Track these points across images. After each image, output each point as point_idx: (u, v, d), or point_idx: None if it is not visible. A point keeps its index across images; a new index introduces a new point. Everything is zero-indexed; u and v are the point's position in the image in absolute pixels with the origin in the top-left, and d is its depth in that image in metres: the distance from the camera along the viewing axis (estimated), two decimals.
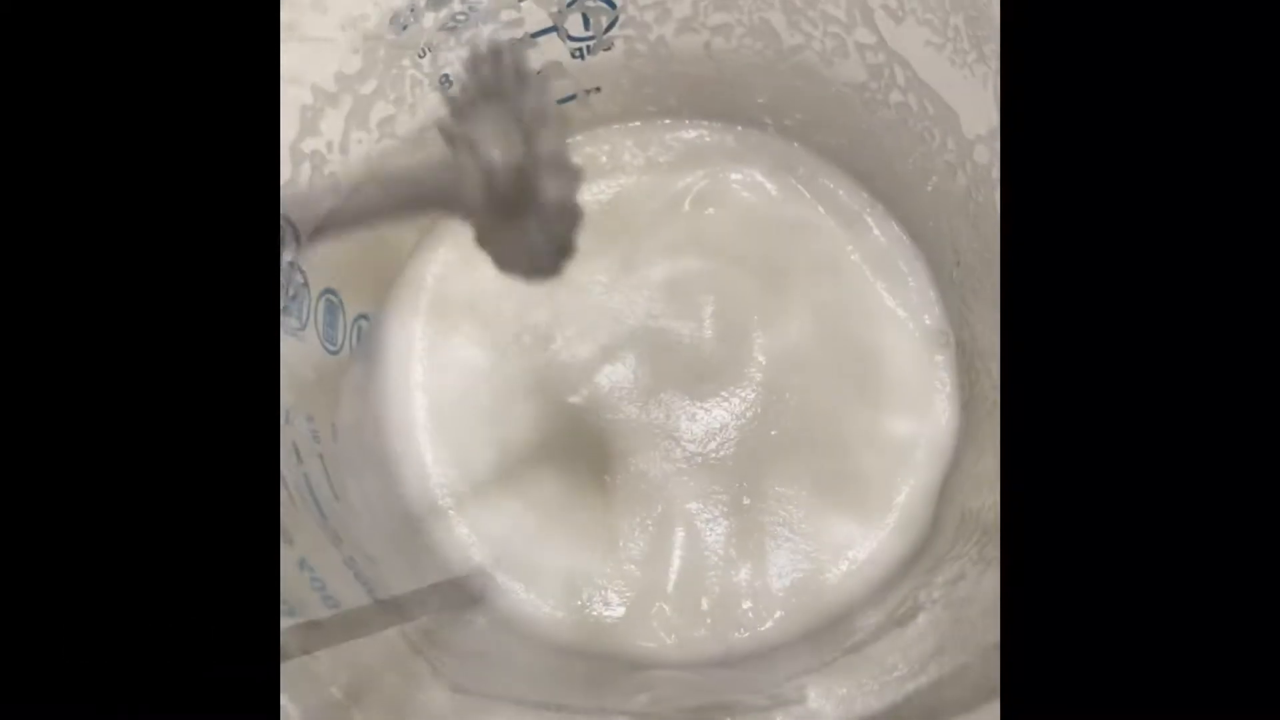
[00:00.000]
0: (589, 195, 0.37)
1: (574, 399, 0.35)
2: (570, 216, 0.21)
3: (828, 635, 0.31)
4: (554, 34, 0.33)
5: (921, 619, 0.26)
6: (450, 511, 0.34)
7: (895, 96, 0.32)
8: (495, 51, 0.21)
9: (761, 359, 0.36)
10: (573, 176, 0.21)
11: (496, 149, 0.20)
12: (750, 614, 0.33)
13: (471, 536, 0.33)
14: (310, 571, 0.24)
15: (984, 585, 0.25)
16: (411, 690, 0.23)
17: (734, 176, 0.38)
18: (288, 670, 0.19)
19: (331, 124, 0.30)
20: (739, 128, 0.38)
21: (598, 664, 0.31)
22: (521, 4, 0.32)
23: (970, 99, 0.29)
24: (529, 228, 0.21)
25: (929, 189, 0.33)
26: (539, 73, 0.20)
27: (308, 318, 0.30)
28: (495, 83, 0.21)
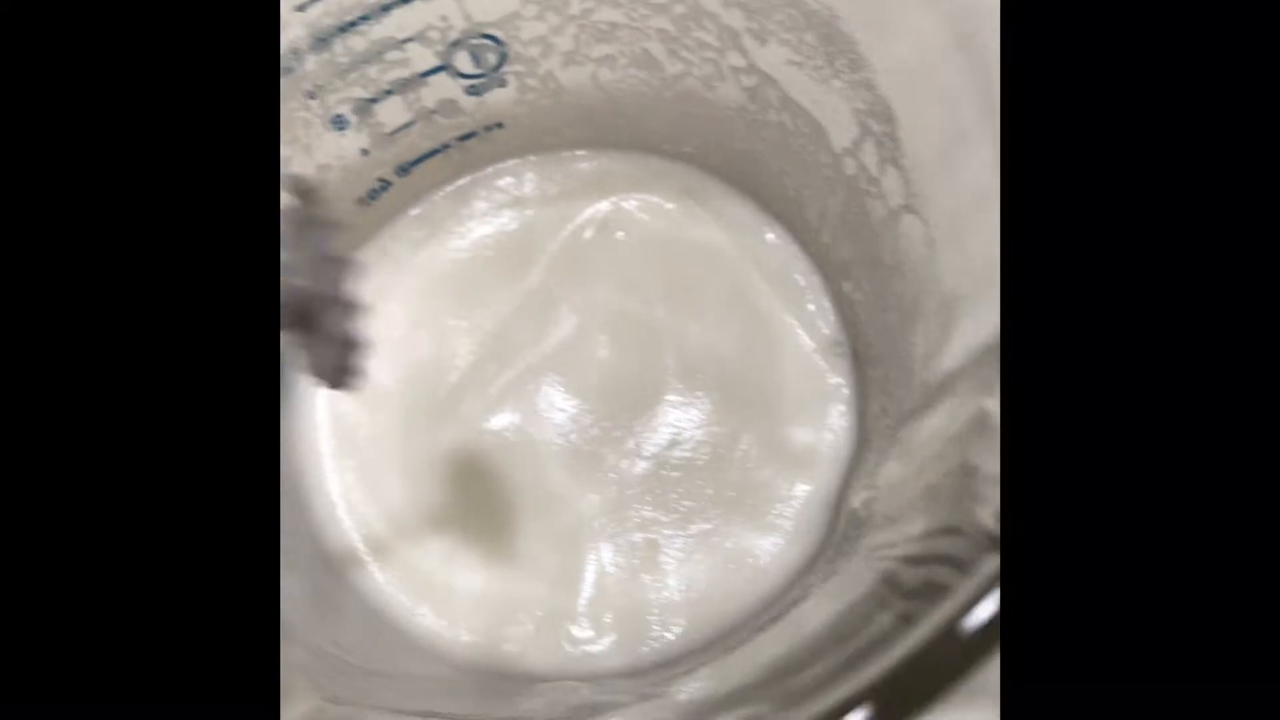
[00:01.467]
0: (497, 226, 0.39)
1: (483, 424, 0.36)
2: (352, 348, 0.23)
3: (724, 640, 0.31)
4: (444, 73, 0.34)
5: (793, 612, 0.27)
6: (358, 537, 0.34)
7: (772, 116, 0.33)
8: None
9: (668, 378, 0.36)
10: (353, 312, 0.23)
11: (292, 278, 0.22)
12: (654, 626, 0.33)
13: (380, 561, 0.34)
14: None
15: (851, 569, 0.26)
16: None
17: (637, 202, 0.39)
18: None
19: None
20: (638, 155, 0.39)
21: (497, 679, 0.32)
22: (406, 45, 0.33)
23: (833, 113, 0.30)
24: (319, 350, 0.24)
25: (813, 205, 0.34)
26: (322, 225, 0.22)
27: None
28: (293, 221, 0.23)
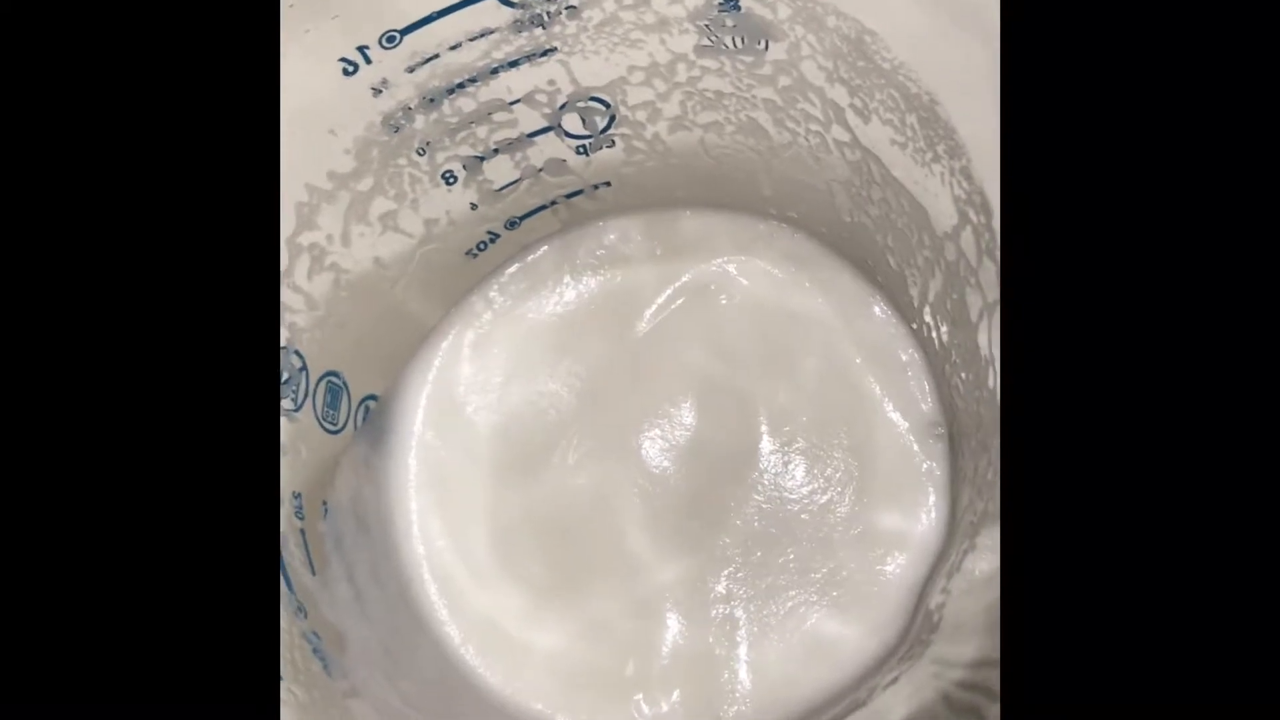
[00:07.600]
0: (599, 282, 0.39)
1: (571, 480, 0.36)
2: None
3: None
4: (551, 133, 0.35)
5: (859, 713, 0.26)
6: (435, 588, 0.35)
7: (876, 193, 0.32)
8: None
9: (760, 448, 0.36)
10: None
11: None
12: (724, 706, 0.32)
13: (457, 615, 0.34)
14: None
15: (916, 677, 0.25)
16: None
17: (740, 266, 0.38)
18: None
19: (330, 219, 0.32)
20: (745, 217, 0.38)
21: None
22: (514, 107, 0.33)
23: (934, 197, 0.29)
24: None
25: (916, 284, 0.33)
26: None
27: (303, 400, 0.32)
28: None
